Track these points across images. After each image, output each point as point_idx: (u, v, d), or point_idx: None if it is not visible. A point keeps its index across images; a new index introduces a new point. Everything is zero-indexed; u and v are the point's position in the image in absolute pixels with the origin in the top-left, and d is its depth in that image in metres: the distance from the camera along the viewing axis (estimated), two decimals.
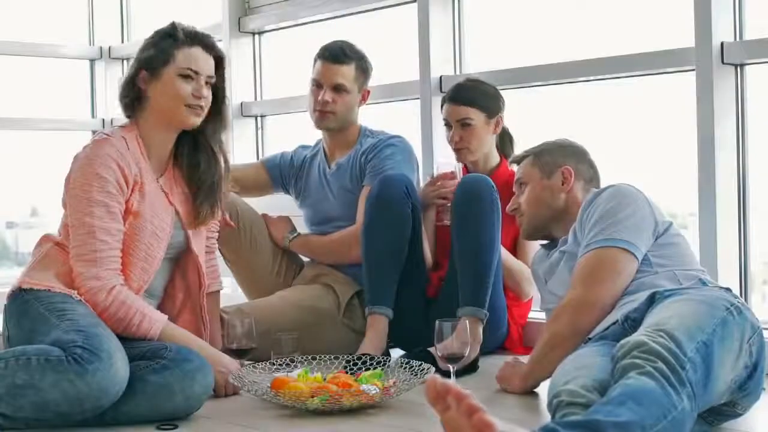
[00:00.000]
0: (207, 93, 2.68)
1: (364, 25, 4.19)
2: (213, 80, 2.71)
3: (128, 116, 2.71)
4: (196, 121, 2.68)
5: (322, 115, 3.37)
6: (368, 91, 3.45)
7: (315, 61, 3.42)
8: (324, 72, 3.36)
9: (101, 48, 5.44)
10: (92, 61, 5.48)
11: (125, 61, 5.48)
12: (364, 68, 3.40)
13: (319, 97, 3.34)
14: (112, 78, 5.47)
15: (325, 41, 3.46)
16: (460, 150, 3.35)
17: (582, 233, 2.56)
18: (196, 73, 2.66)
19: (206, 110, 2.70)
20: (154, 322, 2.55)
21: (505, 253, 3.17)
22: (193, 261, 2.80)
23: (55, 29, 5.39)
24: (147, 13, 5.40)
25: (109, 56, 5.43)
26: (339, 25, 4.28)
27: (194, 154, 2.77)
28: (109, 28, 5.48)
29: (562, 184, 2.75)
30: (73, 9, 5.48)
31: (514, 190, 2.86)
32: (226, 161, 2.84)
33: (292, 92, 4.38)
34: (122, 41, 5.47)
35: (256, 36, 4.68)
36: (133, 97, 2.68)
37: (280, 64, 4.65)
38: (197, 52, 2.68)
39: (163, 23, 2.77)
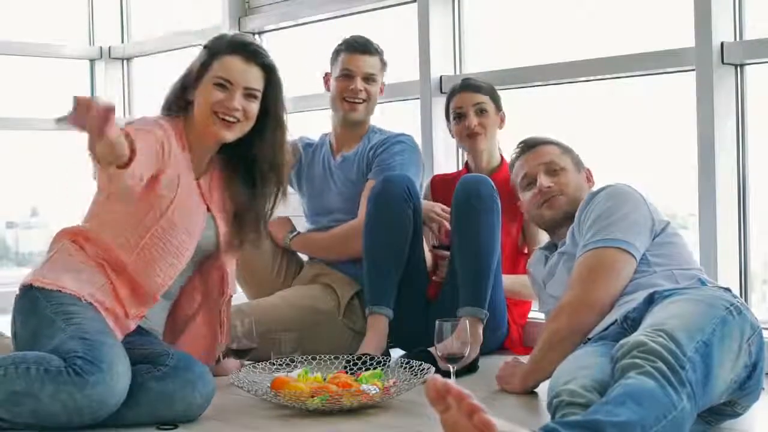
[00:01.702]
0: (242, 105, 2.59)
1: (364, 25, 4.19)
2: (256, 93, 2.62)
3: (167, 113, 2.64)
4: (227, 134, 2.59)
5: (353, 106, 3.40)
6: (384, 84, 3.49)
7: (338, 53, 3.42)
8: (355, 62, 3.39)
9: (101, 48, 5.45)
10: (92, 61, 5.48)
11: (125, 61, 5.49)
12: (384, 62, 3.47)
13: (351, 86, 3.37)
14: (112, 78, 5.47)
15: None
16: (476, 136, 3.36)
17: (580, 234, 2.55)
18: (230, 83, 2.58)
19: (244, 125, 2.61)
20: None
21: (506, 279, 3.17)
22: (218, 266, 2.77)
23: (55, 29, 5.40)
24: (147, 13, 5.40)
25: (109, 56, 5.43)
26: (339, 25, 4.28)
27: (246, 173, 2.69)
28: (109, 28, 5.48)
29: (587, 182, 2.78)
30: (73, 9, 5.49)
31: (534, 172, 2.75)
32: (279, 189, 2.72)
33: (291, 92, 4.37)
34: (122, 41, 5.47)
35: (256, 36, 4.67)
36: (176, 101, 2.64)
37: (280, 64, 4.64)
38: (234, 61, 2.59)
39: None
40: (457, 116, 3.40)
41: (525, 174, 2.79)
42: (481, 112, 3.37)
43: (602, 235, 2.45)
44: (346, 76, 3.39)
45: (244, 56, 2.61)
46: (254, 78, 2.62)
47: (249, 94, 2.61)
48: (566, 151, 2.80)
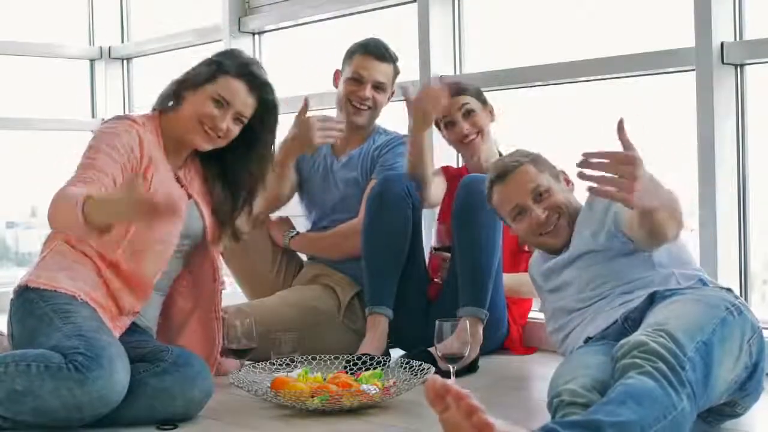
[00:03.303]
0: (228, 127, 2.64)
1: (364, 25, 4.19)
2: (244, 119, 2.67)
3: (155, 108, 2.71)
4: (204, 145, 2.66)
5: (358, 111, 3.38)
6: (393, 92, 3.46)
7: (353, 54, 3.38)
8: (368, 68, 3.35)
9: (101, 48, 5.44)
10: (92, 61, 5.48)
11: (125, 61, 5.49)
12: (397, 70, 3.44)
13: (360, 92, 3.35)
14: (112, 78, 5.47)
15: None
16: (470, 141, 3.34)
17: (607, 227, 2.48)
18: (227, 103, 2.63)
19: (221, 142, 2.66)
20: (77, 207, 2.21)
21: (507, 277, 3.17)
22: (209, 257, 2.78)
23: (55, 29, 5.40)
24: (147, 13, 5.40)
25: (109, 56, 5.43)
26: (339, 25, 4.28)
27: (223, 174, 2.76)
28: (109, 28, 5.48)
29: (568, 186, 2.74)
30: (73, 9, 5.49)
31: (522, 202, 2.59)
32: (247, 204, 2.80)
33: (292, 92, 4.38)
34: (122, 41, 5.47)
35: (256, 36, 4.68)
36: (171, 96, 2.69)
37: (280, 64, 4.65)
38: (238, 85, 2.64)
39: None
40: (446, 124, 3.37)
41: (513, 206, 2.61)
42: (468, 113, 3.33)
43: None
44: (356, 80, 3.36)
45: (250, 86, 2.66)
46: (249, 106, 2.67)
47: (237, 118, 2.67)
48: (539, 164, 2.64)
